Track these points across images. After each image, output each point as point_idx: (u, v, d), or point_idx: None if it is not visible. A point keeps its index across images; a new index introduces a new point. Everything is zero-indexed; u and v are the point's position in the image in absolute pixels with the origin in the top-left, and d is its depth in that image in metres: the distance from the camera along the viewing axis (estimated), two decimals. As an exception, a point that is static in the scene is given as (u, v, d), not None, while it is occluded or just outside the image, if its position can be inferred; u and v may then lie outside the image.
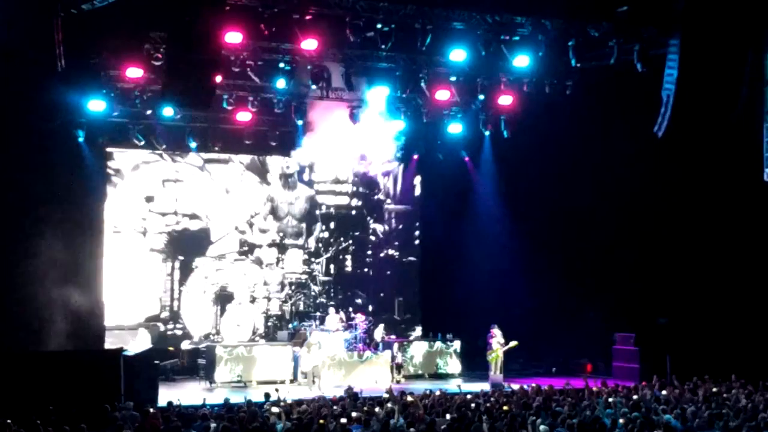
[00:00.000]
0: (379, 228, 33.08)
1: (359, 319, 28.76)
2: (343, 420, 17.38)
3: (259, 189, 31.44)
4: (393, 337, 29.72)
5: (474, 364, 29.63)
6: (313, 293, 31.73)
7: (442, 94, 27.13)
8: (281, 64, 25.44)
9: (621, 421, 16.89)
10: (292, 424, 16.79)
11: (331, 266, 32.10)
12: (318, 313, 28.40)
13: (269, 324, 31.10)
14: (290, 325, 30.07)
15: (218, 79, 24.69)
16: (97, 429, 16.45)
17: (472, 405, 19.40)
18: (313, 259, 31.85)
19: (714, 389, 22.08)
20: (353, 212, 32.66)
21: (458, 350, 29.87)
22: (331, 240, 32.23)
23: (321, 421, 16.87)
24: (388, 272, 32.53)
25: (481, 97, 27.52)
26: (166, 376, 27.39)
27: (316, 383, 26.32)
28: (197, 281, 30.64)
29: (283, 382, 26.96)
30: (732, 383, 22.63)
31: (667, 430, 16.02)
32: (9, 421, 16.72)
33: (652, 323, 28.17)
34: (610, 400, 20.11)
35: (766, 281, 27.16)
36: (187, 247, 30.56)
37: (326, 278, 31.89)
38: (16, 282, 25.15)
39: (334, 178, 32.54)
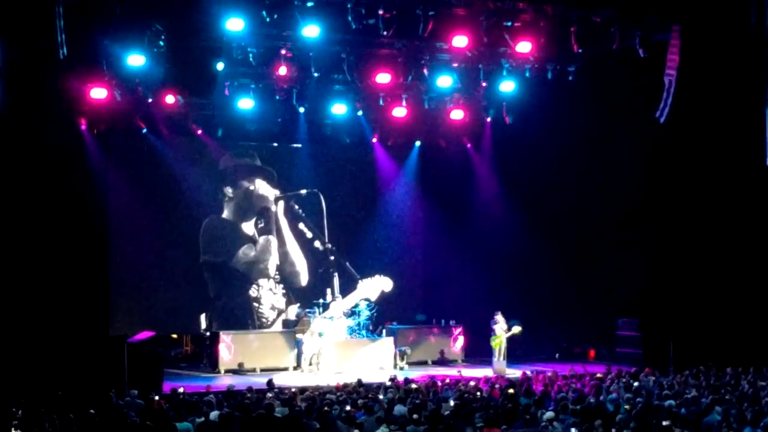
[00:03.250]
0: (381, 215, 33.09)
1: (362, 305, 28.70)
2: (347, 407, 17.46)
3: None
4: (395, 323, 29.74)
5: (477, 350, 29.66)
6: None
7: (444, 81, 27.11)
8: (283, 51, 25.43)
9: (626, 407, 16.94)
10: (295, 411, 16.83)
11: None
12: (321, 300, 28.37)
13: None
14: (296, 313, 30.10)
15: (220, 66, 24.72)
16: (102, 416, 16.50)
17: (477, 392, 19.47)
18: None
19: (717, 375, 22.12)
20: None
21: (461, 336, 29.89)
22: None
23: (325, 408, 16.94)
24: (390, 258, 32.48)
25: (483, 83, 27.50)
26: (170, 364, 27.43)
27: (319, 370, 26.37)
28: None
29: (286, 369, 27.07)
30: (735, 369, 22.64)
31: (670, 415, 16.06)
32: (14, 408, 16.79)
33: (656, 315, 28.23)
34: (613, 386, 20.17)
35: (769, 266, 27.19)
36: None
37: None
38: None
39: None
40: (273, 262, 31.31)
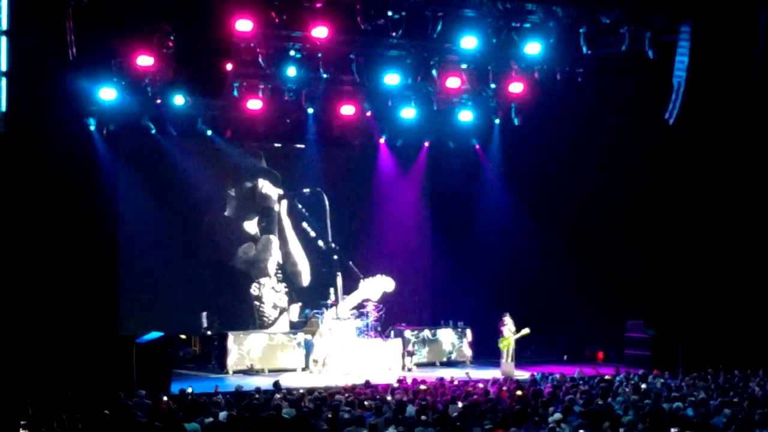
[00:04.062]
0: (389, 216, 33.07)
1: (370, 306, 28.66)
2: (356, 408, 17.46)
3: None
4: (403, 324, 29.73)
5: (485, 351, 29.62)
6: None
7: (453, 82, 27.06)
8: (292, 52, 25.44)
9: (634, 409, 16.91)
10: (303, 412, 16.83)
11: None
12: (328, 301, 28.34)
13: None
14: (304, 312, 30.08)
15: (229, 67, 24.74)
16: (110, 416, 16.51)
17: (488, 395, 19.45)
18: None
19: (726, 377, 22.08)
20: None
21: (469, 337, 29.87)
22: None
23: (333, 409, 16.95)
24: (399, 259, 32.47)
25: (492, 84, 27.48)
26: (178, 364, 27.46)
27: (327, 371, 26.35)
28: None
29: (294, 370, 27.07)
30: (744, 371, 22.59)
31: (676, 419, 16.02)
32: (23, 408, 16.81)
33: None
34: (622, 388, 20.13)
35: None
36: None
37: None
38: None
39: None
40: (274, 261, 31.33)
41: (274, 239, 31.35)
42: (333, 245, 30.64)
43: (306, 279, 31.62)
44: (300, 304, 30.67)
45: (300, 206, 31.38)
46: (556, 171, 30.70)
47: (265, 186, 31.32)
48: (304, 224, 31.45)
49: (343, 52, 25.54)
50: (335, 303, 27.86)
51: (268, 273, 31.24)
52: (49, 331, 22.80)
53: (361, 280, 28.43)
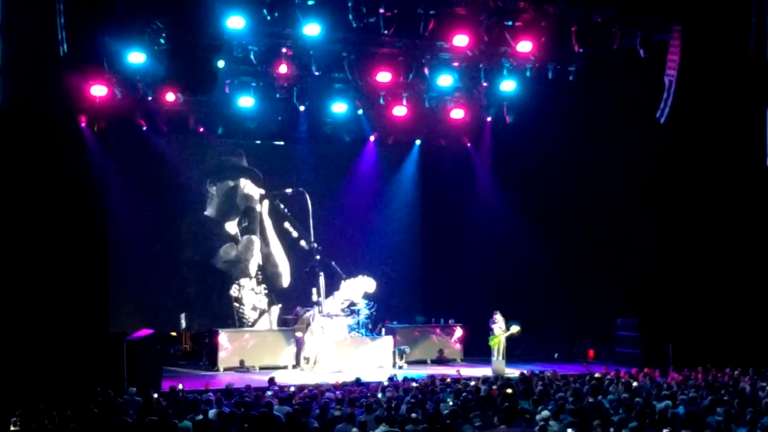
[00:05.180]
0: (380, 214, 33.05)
1: (362, 304, 28.63)
2: (346, 406, 17.45)
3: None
4: (394, 322, 29.74)
5: (476, 349, 29.64)
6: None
7: (445, 80, 27.09)
8: (284, 50, 25.42)
9: (624, 407, 16.91)
10: (294, 409, 16.82)
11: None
12: (319, 298, 28.33)
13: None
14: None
15: (221, 64, 24.73)
16: (101, 413, 16.49)
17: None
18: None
19: (716, 375, 22.11)
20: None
21: (460, 335, 29.89)
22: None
23: (323, 406, 16.95)
24: (389, 257, 32.49)
25: (484, 82, 27.48)
26: (169, 361, 27.42)
27: (317, 368, 26.34)
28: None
29: (285, 368, 27.06)
30: (735, 369, 22.63)
31: (663, 416, 16.03)
32: (13, 405, 16.78)
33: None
34: (612, 386, 20.14)
35: (768, 267, 27.19)
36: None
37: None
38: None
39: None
40: (255, 262, 31.19)
41: (256, 240, 31.21)
42: (315, 245, 30.62)
43: (286, 280, 31.49)
44: (280, 305, 30.61)
45: (282, 206, 31.29)
46: (547, 169, 30.70)
47: (247, 186, 31.20)
48: (286, 224, 31.35)
49: (334, 50, 25.51)
50: (317, 303, 27.86)
51: (248, 274, 31.09)
52: (39, 328, 22.75)
53: (343, 281, 28.42)
